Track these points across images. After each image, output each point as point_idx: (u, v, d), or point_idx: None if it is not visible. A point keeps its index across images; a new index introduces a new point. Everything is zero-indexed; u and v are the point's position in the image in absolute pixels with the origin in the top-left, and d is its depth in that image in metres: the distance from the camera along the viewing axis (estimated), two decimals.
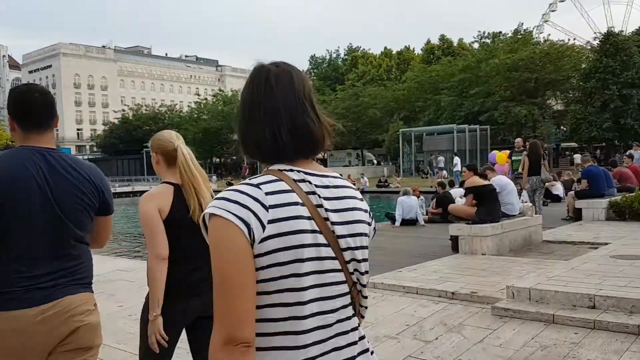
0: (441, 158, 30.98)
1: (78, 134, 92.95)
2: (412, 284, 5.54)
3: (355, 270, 1.22)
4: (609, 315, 4.09)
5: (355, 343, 1.24)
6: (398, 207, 11.41)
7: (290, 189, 1.15)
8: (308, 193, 1.17)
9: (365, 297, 1.27)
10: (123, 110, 75.55)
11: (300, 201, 1.15)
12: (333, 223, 1.17)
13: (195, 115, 67.29)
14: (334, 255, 1.17)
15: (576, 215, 10.79)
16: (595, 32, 52.85)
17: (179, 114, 74.74)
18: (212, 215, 1.11)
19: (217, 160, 68.03)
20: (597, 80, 36.63)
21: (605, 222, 10.12)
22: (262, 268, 1.11)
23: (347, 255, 1.19)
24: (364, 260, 1.23)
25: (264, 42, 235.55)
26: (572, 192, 11.51)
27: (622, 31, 45.90)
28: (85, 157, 78.89)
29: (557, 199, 14.66)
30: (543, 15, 71.45)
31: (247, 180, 1.17)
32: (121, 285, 6.35)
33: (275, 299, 1.12)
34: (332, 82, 68.71)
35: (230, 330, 1.08)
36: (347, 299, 1.21)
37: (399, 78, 60.44)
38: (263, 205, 1.11)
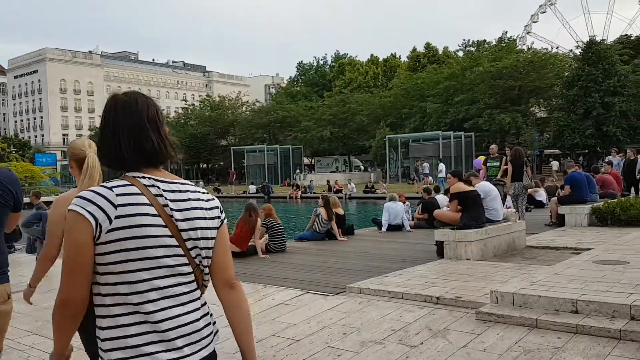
0: (426, 164, 31.17)
1: (64, 139, 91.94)
2: (397, 289, 5.57)
3: (198, 255, 1.55)
4: (592, 320, 4.14)
5: (198, 309, 1.56)
6: (384, 213, 11.47)
7: (139, 192, 1.48)
8: (156, 195, 1.49)
9: (207, 274, 1.61)
10: None
11: (148, 202, 1.47)
12: (177, 219, 1.50)
13: (182, 121, 66.98)
14: (177, 244, 1.50)
15: (559, 221, 10.92)
16: (577, 41, 53.73)
17: (165, 119, 74.25)
18: (69, 210, 1.44)
19: (205, 165, 67.74)
20: (580, 88, 37.15)
21: (587, 228, 10.26)
22: (110, 252, 1.43)
23: (189, 244, 1.52)
24: (206, 248, 1.57)
25: (251, 48, 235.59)
26: (555, 198, 11.66)
27: (604, 40, 46.69)
28: None
29: (540, 204, 14.84)
30: (525, 27, 72.50)
31: (104, 184, 1.49)
32: None
33: (122, 278, 1.44)
34: (320, 89, 68.91)
35: (65, 297, 1.46)
36: (190, 277, 1.54)
37: (385, 85, 60.80)
38: (112, 203, 1.43)
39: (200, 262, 1.56)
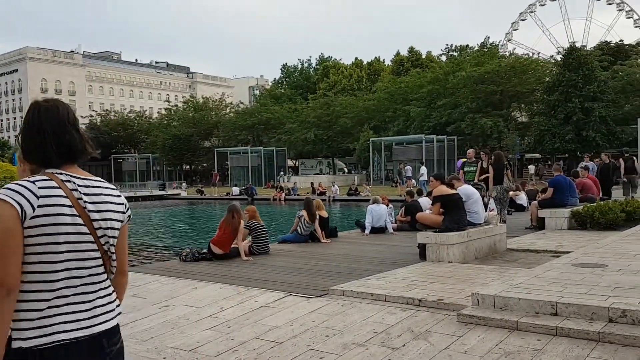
0: (409, 167, 31.34)
1: None
2: (380, 292, 5.59)
3: (106, 242, 1.82)
4: (571, 322, 4.18)
5: (103, 289, 1.83)
6: (368, 215, 11.51)
7: (57, 186, 1.72)
8: (72, 189, 1.74)
9: (114, 260, 1.88)
10: (91, 116, 74.12)
11: (64, 194, 1.72)
12: (90, 211, 1.76)
13: (165, 122, 66.45)
14: (88, 232, 1.76)
15: (539, 224, 11.05)
16: (557, 47, 54.55)
17: (148, 120, 73.68)
18: None
19: (187, 167, 67.25)
20: (561, 94, 37.71)
21: (567, 231, 10.39)
22: (33, 236, 1.65)
23: (99, 232, 1.79)
24: (113, 237, 1.85)
25: (236, 50, 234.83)
26: (536, 202, 11.81)
27: (584, 46, 47.48)
28: None
29: (521, 208, 15.01)
30: (506, 34, 73.45)
31: (27, 178, 1.71)
32: None
33: (39, 258, 1.67)
34: (304, 91, 68.98)
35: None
36: (99, 261, 1.81)
37: (369, 88, 61.10)
38: (34, 194, 1.66)
39: (109, 249, 1.84)
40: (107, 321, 1.81)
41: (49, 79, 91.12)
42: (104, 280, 1.84)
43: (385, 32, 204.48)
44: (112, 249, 1.85)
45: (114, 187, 1.92)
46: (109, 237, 1.82)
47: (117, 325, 1.88)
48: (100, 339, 1.78)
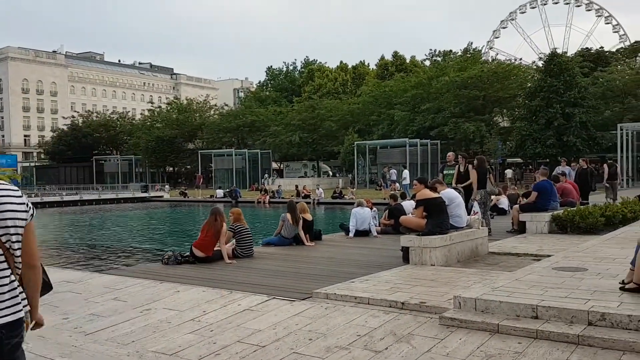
0: (394, 171, 31.49)
1: (25, 140, 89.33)
2: (364, 295, 5.60)
3: (8, 240, 1.98)
4: (551, 325, 4.23)
5: (6, 285, 1.97)
6: (352, 219, 11.53)
7: None
8: None
9: (18, 257, 2.03)
10: (73, 116, 73.23)
11: None
12: None
13: (148, 123, 65.85)
14: None
15: (520, 228, 11.17)
16: (539, 54, 55.30)
17: (131, 121, 73.01)
18: None
19: (171, 169, 66.72)
20: (542, 99, 38.20)
21: (548, 235, 10.51)
22: None
23: (1, 231, 1.96)
24: (17, 234, 2.00)
25: (221, 52, 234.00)
26: (517, 206, 11.94)
27: (565, 52, 48.23)
28: (32, 164, 75.86)
29: (502, 212, 15.17)
30: (488, 42, 74.32)
31: None
32: (67, 297, 6.13)
33: None
34: (289, 94, 68.97)
35: None
36: (2, 258, 1.97)
37: (354, 92, 61.32)
38: None
39: (10, 246, 1.99)
40: (7, 315, 1.94)
41: (30, 79, 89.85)
42: (7, 277, 1.98)
43: (370, 36, 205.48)
44: (15, 246, 2.00)
45: (16, 189, 2.09)
46: (11, 234, 1.98)
47: (21, 319, 2.00)
48: (0, 330, 1.92)
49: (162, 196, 41.89)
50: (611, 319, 4.10)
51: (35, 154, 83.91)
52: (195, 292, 6.16)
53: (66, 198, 38.53)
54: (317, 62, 77.75)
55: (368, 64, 74.16)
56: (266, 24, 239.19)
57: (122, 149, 67.84)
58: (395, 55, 67.13)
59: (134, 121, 72.75)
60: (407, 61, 66.43)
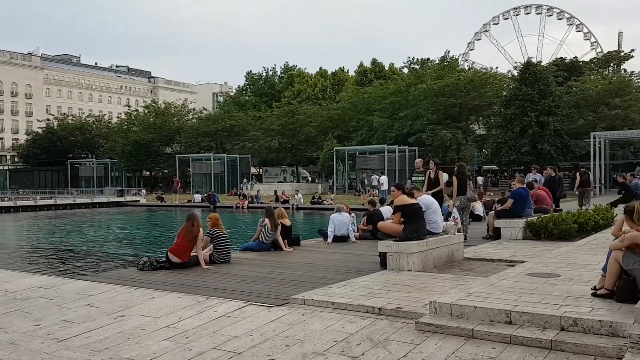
0: (375, 177, 31.62)
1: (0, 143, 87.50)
2: (341, 300, 5.61)
3: None
4: (524, 331, 4.28)
5: None
6: (330, 224, 11.54)
7: None
8: None
9: None
10: (48, 119, 71.95)
11: None
12: None
13: (125, 127, 65.02)
14: None
15: (495, 234, 11.32)
16: (514, 63, 56.26)
17: (107, 124, 72.02)
18: None
19: (147, 173, 65.92)
20: (517, 107, 38.85)
21: (522, 241, 10.67)
22: None
23: None
24: None
25: (199, 56, 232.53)
26: (493, 212, 12.10)
27: (539, 61, 49.17)
28: (6, 167, 74.20)
29: (478, 218, 15.35)
30: (463, 55, 75.28)
31: None
32: (39, 303, 6.01)
33: None
34: (269, 99, 68.84)
35: None
36: None
37: (333, 98, 61.54)
38: None
39: None
40: None
41: (4, 81, 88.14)
42: None
43: (350, 43, 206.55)
44: None
45: None
46: None
47: None
48: None
49: (138, 201, 41.35)
50: (583, 324, 4.17)
51: (8, 158, 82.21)
52: (170, 298, 6.09)
53: (40, 202, 37.78)
54: (297, 67, 77.85)
55: (347, 70, 74.64)
56: (246, 29, 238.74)
57: (98, 153, 66.82)
58: (374, 62, 67.65)
59: (110, 124, 71.79)
60: (386, 68, 66.99)
